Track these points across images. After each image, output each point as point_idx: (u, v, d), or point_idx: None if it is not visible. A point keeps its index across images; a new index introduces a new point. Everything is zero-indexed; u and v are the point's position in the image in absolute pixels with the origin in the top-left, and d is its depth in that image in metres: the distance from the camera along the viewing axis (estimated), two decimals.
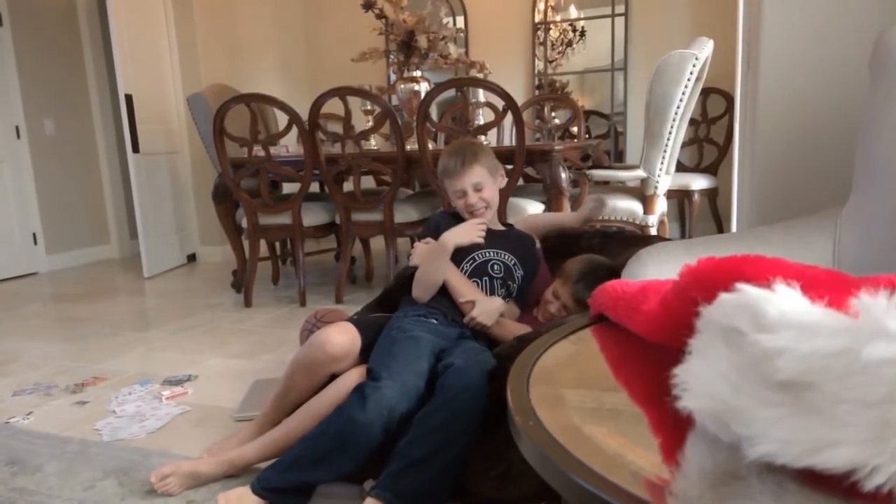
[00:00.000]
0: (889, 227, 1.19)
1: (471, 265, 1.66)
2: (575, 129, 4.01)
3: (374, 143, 3.15)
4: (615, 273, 1.58)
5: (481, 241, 1.63)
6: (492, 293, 1.64)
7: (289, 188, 3.71)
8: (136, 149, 3.88)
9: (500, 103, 2.62)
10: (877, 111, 1.23)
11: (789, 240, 1.26)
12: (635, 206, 2.78)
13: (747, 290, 0.53)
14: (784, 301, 0.50)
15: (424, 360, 1.40)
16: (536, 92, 4.75)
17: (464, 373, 1.30)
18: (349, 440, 1.26)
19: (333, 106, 2.94)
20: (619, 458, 0.55)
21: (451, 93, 2.90)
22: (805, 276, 0.54)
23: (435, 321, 1.56)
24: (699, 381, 0.55)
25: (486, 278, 1.65)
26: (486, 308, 1.58)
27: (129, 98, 3.81)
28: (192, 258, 4.54)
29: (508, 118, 2.69)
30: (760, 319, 0.50)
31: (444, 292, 1.63)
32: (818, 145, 1.54)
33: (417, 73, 3.25)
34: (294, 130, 2.90)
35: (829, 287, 0.51)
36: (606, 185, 3.13)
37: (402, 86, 3.25)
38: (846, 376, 0.44)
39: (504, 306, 1.62)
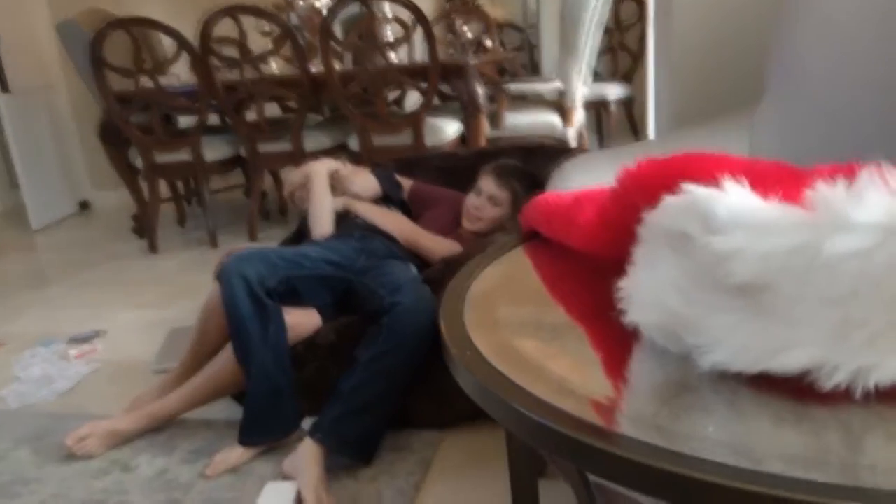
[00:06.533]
0: (803, 129, 1.19)
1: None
2: (489, 42, 3.88)
3: (274, 66, 2.93)
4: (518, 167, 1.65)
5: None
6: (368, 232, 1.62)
7: (186, 122, 3.41)
8: (4, 88, 3.52)
9: (409, 17, 2.47)
10: (796, 4, 1.21)
11: (706, 144, 1.24)
12: (554, 119, 2.75)
13: (694, 191, 0.49)
14: (735, 200, 0.46)
15: (305, 248, 1.46)
16: (447, 5, 4.53)
17: (414, 315, 1.24)
18: (236, 325, 1.29)
19: (226, 28, 2.69)
20: (564, 382, 0.52)
21: (355, 9, 2.69)
22: (753, 171, 0.50)
23: (352, 240, 1.53)
24: (646, 292, 0.51)
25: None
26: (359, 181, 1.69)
27: None
28: (84, 206, 4.17)
29: (419, 34, 2.54)
30: (710, 221, 0.46)
31: (346, 220, 1.63)
32: (736, 46, 1.53)
33: None
34: (184, 57, 2.66)
35: (780, 182, 0.47)
36: (524, 100, 3.07)
37: (301, 3, 3.01)
38: (806, 273, 0.41)
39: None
